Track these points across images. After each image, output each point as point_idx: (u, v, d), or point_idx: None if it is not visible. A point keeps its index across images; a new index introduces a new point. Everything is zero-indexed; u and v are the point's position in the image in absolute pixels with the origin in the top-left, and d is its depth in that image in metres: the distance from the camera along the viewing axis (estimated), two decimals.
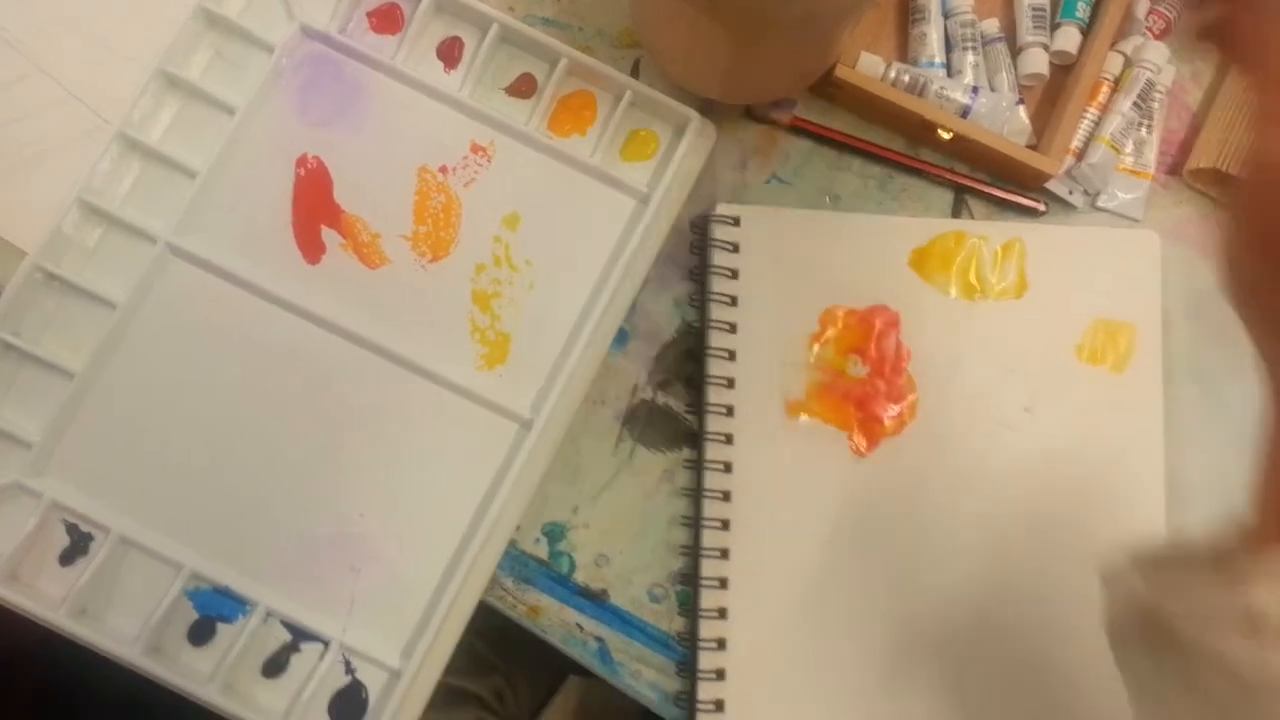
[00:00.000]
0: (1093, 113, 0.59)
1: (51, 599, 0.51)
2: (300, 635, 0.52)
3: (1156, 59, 0.59)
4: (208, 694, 0.49)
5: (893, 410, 0.56)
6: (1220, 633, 0.30)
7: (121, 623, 0.52)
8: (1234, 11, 0.37)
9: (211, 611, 0.52)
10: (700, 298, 0.57)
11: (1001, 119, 0.58)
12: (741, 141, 0.60)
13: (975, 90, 0.58)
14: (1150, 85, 0.59)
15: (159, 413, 0.54)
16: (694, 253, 0.58)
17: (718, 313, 0.56)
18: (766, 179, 0.59)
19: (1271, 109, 0.34)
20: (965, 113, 0.58)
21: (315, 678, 0.51)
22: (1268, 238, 0.32)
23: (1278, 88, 0.34)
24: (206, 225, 0.55)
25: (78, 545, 0.52)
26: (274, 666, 0.52)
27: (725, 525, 0.54)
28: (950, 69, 0.60)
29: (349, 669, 0.52)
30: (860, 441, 0.55)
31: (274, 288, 0.54)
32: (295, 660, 0.52)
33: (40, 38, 0.56)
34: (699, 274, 0.57)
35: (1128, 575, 0.34)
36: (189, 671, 0.51)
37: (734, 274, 0.56)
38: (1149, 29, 0.60)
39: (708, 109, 0.58)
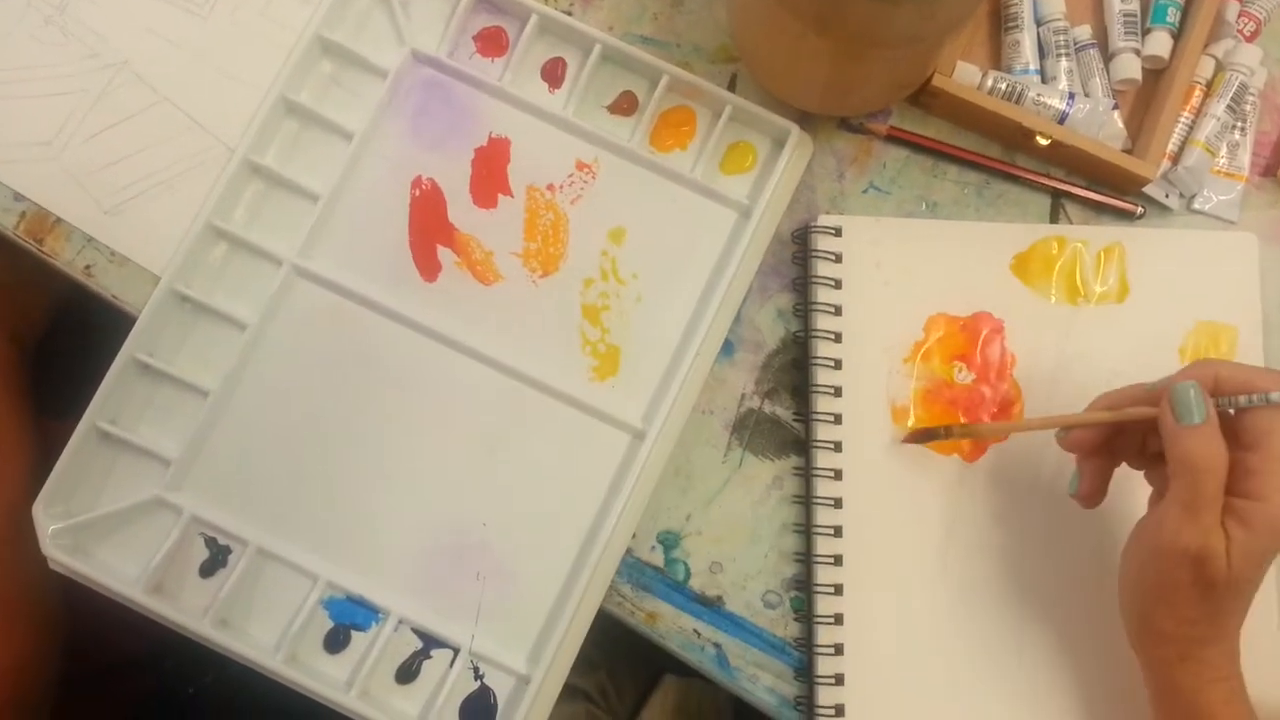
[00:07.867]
0: (1186, 116, 0.60)
1: (194, 610, 0.53)
2: (431, 642, 0.54)
3: (1249, 61, 0.60)
4: (347, 701, 0.51)
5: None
6: None
7: (261, 632, 0.54)
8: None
9: (345, 620, 0.54)
10: (803, 307, 0.58)
11: (1097, 124, 0.59)
12: (837, 151, 0.61)
13: (1071, 96, 0.58)
14: (1244, 88, 0.59)
15: (288, 428, 0.56)
16: (796, 263, 0.59)
17: (822, 322, 0.57)
18: (864, 188, 0.60)
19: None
20: (1062, 119, 0.58)
21: (447, 684, 0.53)
22: None
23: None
24: (328, 246, 0.57)
25: (217, 558, 0.54)
26: (407, 673, 0.54)
27: (837, 532, 0.55)
28: (1044, 75, 0.60)
29: (478, 675, 0.54)
30: (967, 447, 0.56)
31: (394, 305, 0.56)
32: (427, 666, 0.54)
33: (165, 68, 0.58)
34: (801, 284, 0.58)
35: None
36: (327, 679, 0.53)
37: (837, 284, 0.57)
38: (1240, 32, 0.61)
39: (803, 120, 0.59)
